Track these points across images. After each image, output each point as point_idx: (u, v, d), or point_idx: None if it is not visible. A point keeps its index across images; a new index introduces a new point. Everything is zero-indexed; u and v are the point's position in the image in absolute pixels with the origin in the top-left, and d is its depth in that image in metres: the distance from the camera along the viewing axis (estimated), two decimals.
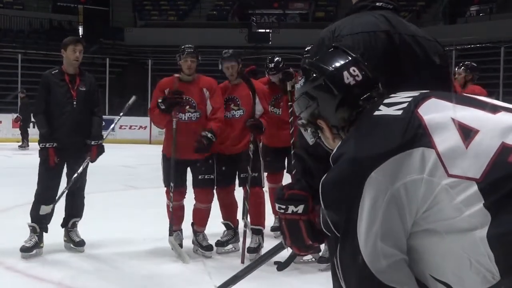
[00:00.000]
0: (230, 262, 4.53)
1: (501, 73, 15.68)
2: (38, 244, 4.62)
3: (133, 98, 5.16)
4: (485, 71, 15.57)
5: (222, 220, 4.86)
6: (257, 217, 4.69)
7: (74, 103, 4.69)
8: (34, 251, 4.58)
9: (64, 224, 4.81)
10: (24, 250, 4.54)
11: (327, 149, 1.65)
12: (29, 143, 14.51)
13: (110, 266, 4.42)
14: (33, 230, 4.63)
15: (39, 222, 4.65)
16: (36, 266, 4.32)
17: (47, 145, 4.58)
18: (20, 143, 15.25)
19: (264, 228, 4.81)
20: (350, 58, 1.63)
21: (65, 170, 4.77)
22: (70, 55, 4.70)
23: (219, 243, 4.78)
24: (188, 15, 25.98)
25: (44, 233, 4.68)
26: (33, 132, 13.92)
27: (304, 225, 1.80)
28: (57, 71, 4.78)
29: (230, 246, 4.87)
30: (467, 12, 22.59)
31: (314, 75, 1.62)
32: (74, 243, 4.77)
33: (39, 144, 4.64)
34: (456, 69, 6.37)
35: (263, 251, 4.49)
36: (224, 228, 4.90)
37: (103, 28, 24.99)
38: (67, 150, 4.64)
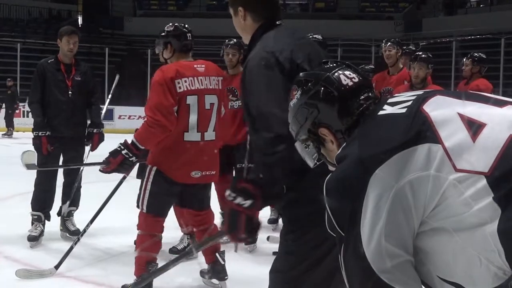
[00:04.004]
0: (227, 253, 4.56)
1: (501, 65, 15.66)
2: (43, 232, 4.65)
3: (117, 77, 5.23)
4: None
5: (220, 211, 4.86)
6: None
7: (70, 92, 4.69)
8: (40, 239, 4.61)
9: (60, 213, 4.83)
10: (32, 239, 4.56)
11: (330, 165, 1.63)
12: (20, 132, 14.40)
13: (107, 255, 4.43)
14: (38, 219, 4.63)
15: (43, 211, 4.66)
16: (34, 255, 4.33)
17: (40, 133, 4.57)
18: (3, 132, 15.29)
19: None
20: (344, 65, 1.65)
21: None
22: (64, 46, 4.69)
23: None
24: (188, 5, 25.85)
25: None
26: (24, 121, 13.91)
27: (245, 218, 1.95)
28: (52, 60, 4.77)
29: None
30: (467, 3, 22.53)
31: (310, 84, 1.62)
32: (70, 232, 4.78)
33: (32, 132, 4.64)
34: (464, 59, 6.10)
35: (258, 241, 4.50)
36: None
37: (102, 17, 24.91)
38: (63, 139, 4.64)
